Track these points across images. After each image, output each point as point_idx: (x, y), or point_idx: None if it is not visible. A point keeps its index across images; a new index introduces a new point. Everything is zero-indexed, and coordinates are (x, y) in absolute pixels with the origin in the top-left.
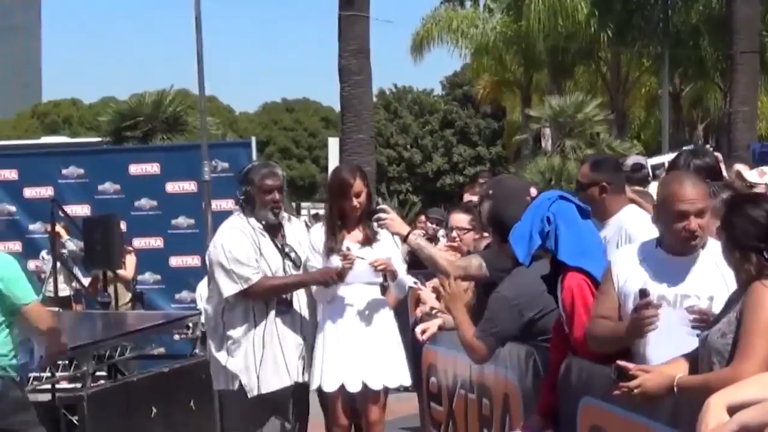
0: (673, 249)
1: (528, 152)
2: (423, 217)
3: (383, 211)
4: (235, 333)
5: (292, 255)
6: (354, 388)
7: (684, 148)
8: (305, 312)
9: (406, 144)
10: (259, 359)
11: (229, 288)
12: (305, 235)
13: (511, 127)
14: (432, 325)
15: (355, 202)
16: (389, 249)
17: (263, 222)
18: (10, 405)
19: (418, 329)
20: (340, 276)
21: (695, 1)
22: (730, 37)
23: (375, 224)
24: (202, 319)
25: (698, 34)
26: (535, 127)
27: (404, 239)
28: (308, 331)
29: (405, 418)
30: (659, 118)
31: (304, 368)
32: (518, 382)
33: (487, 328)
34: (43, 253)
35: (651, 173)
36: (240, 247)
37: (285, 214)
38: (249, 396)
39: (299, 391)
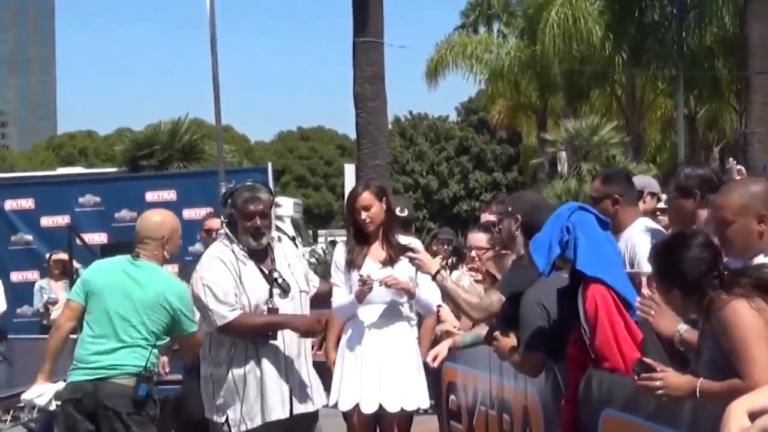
0: None
1: (544, 176)
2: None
3: (413, 250)
4: (219, 368)
5: (280, 281)
6: (369, 409)
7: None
8: (291, 345)
9: (422, 171)
10: (242, 396)
11: (205, 324)
12: (296, 256)
13: (527, 152)
14: (442, 349)
15: (364, 215)
16: (411, 270)
17: (245, 249)
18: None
19: (429, 357)
20: (322, 326)
21: (709, 23)
22: (744, 58)
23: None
24: None
25: (713, 55)
26: (551, 150)
27: (433, 278)
28: (292, 363)
29: None
30: (675, 140)
31: (291, 402)
32: (538, 396)
33: (524, 339)
34: (41, 282)
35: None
36: (218, 281)
37: (275, 235)
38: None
39: (296, 423)
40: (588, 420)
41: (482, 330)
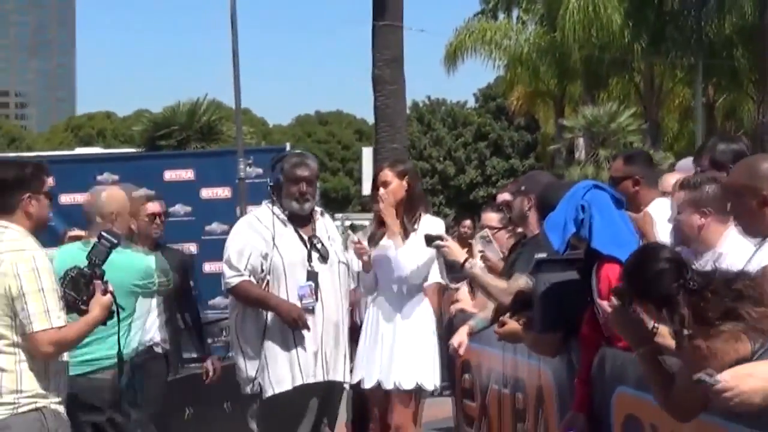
0: None
1: (561, 162)
2: (468, 222)
3: (440, 237)
4: (248, 335)
5: (319, 246)
6: (377, 384)
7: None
8: (329, 310)
9: (440, 156)
10: (272, 360)
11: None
12: (336, 232)
13: (545, 139)
14: (463, 337)
15: (381, 190)
16: (423, 248)
17: (286, 212)
18: None
19: (454, 343)
20: (303, 323)
21: (729, 12)
22: (763, 48)
23: (426, 241)
24: None
25: (732, 44)
26: (569, 137)
27: (461, 267)
28: (329, 328)
29: (438, 421)
30: (692, 129)
31: (324, 367)
32: (552, 374)
33: (539, 319)
34: None
35: None
36: (235, 246)
37: (318, 208)
38: (264, 396)
39: (328, 390)
40: (601, 398)
41: (489, 313)
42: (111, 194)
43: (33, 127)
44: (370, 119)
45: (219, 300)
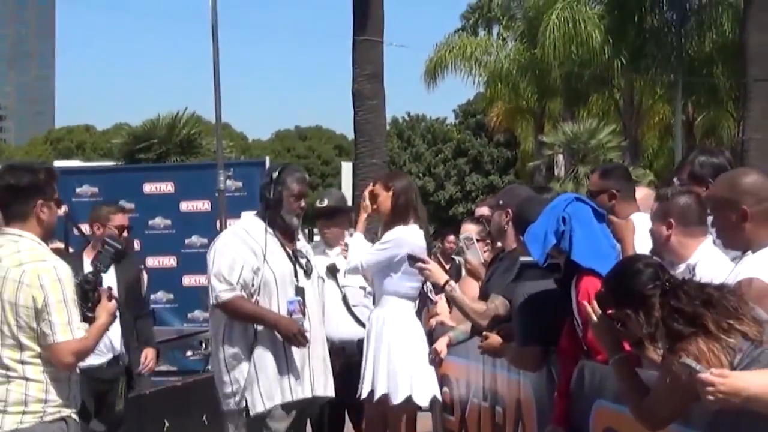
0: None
1: (541, 179)
2: (452, 237)
3: (422, 260)
4: (235, 348)
5: (303, 262)
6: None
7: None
8: (314, 325)
9: (419, 172)
10: (262, 375)
11: (208, 299)
12: (309, 249)
13: (524, 156)
14: (442, 347)
15: (366, 200)
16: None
17: (280, 226)
18: None
19: (431, 355)
20: (304, 339)
21: (709, 30)
22: (743, 65)
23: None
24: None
25: (712, 62)
26: (549, 154)
27: (441, 288)
28: (316, 343)
29: None
30: (672, 146)
31: (312, 383)
32: (532, 388)
33: (519, 334)
34: None
35: None
36: (225, 259)
37: None
38: (251, 413)
39: (308, 404)
40: (580, 411)
41: (468, 326)
42: None
43: (11, 140)
44: (350, 135)
45: (198, 313)
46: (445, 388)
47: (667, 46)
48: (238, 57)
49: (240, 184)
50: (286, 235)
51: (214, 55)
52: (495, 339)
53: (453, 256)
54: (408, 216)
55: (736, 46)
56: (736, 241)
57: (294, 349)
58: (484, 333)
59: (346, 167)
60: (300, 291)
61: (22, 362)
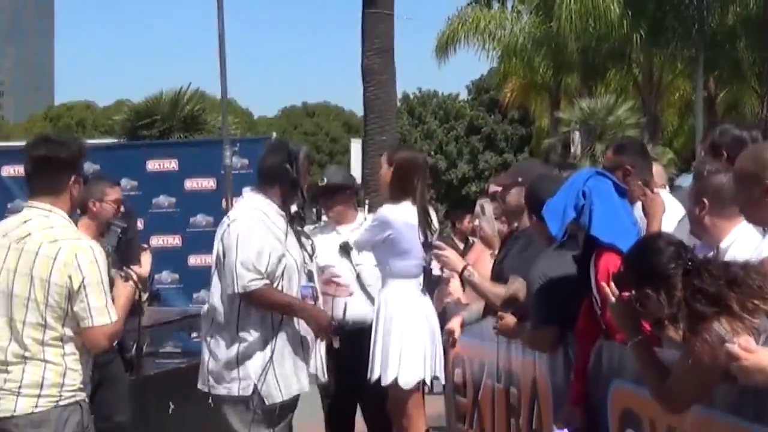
0: None
1: (556, 157)
2: (468, 218)
3: (439, 247)
4: (252, 337)
5: (307, 243)
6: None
7: None
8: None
9: (431, 150)
10: (278, 365)
11: (230, 287)
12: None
13: (539, 133)
14: (456, 327)
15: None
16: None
17: (287, 212)
18: None
19: (446, 335)
20: (333, 331)
21: (732, 2)
22: (767, 39)
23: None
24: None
25: (735, 36)
26: (565, 130)
27: (459, 275)
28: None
29: (429, 419)
30: (693, 123)
31: (323, 369)
32: (547, 368)
33: (535, 315)
34: None
35: None
36: (255, 247)
37: None
38: (267, 403)
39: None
40: (597, 392)
41: (481, 306)
42: None
43: (10, 117)
44: (359, 111)
45: (204, 293)
46: (457, 369)
47: (687, 20)
48: (244, 31)
49: (246, 161)
50: (293, 214)
51: (219, 28)
52: (510, 319)
53: (469, 237)
54: (407, 192)
55: (761, 19)
56: (758, 217)
57: (308, 338)
58: (499, 313)
59: (356, 145)
60: (310, 275)
61: (43, 343)
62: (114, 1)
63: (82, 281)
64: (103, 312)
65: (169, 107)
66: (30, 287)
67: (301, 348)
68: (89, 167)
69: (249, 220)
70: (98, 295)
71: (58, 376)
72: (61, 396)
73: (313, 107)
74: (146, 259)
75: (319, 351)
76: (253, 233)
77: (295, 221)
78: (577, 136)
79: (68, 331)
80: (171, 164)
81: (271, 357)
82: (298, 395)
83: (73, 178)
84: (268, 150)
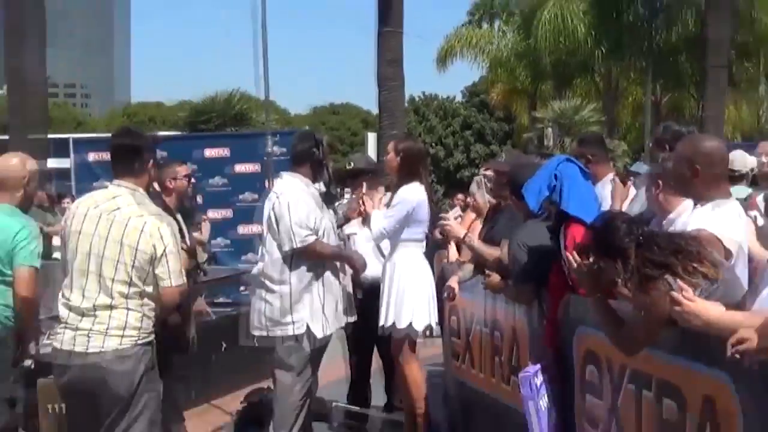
0: None
1: (533, 149)
2: (460, 195)
3: (445, 218)
4: (301, 285)
5: (334, 215)
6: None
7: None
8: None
9: (432, 142)
10: (325, 307)
11: (287, 244)
12: None
13: (520, 129)
14: (454, 284)
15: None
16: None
17: (318, 187)
18: None
19: (447, 292)
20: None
21: (675, 24)
22: (703, 54)
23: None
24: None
25: (677, 51)
26: (540, 127)
27: (462, 241)
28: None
29: (430, 358)
30: (642, 122)
31: (349, 311)
32: (525, 317)
33: (515, 275)
34: None
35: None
36: (302, 208)
37: None
38: (318, 337)
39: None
40: (565, 336)
41: (472, 266)
42: (22, 160)
43: (95, 114)
44: (375, 110)
45: (251, 256)
46: (453, 317)
47: (640, 38)
48: (282, 44)
49: (284, 149)
50: (324, 191)
51: (263, 45)
52: (495, 278)
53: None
54: (414, 174)
55: (698, 38)
56: (690, 193)
57: (336, 287)
58: (486, 272)
59: (371, 137)
60: (339, 236)
61: (127, 296)
62: (177, 15)
63: (164, 250)
64: (179, 275)
65: (223, 106)
66: (120, 252)
67: (339, 293)
68: (159, 154)
69: (294, 192)
70: (175, 261)
71: (138, 321)
72: (139, 337)
73: (338, 107)
74: (206, 227)
75: (349, 295)
76: (300, 201)
77: (325, 197)
78: (550, 131)
79: (147, 288)
80: (224, 152)
81: (318, 301)
82: (338, 329)
83: (150, 162)
84: (297, 138)
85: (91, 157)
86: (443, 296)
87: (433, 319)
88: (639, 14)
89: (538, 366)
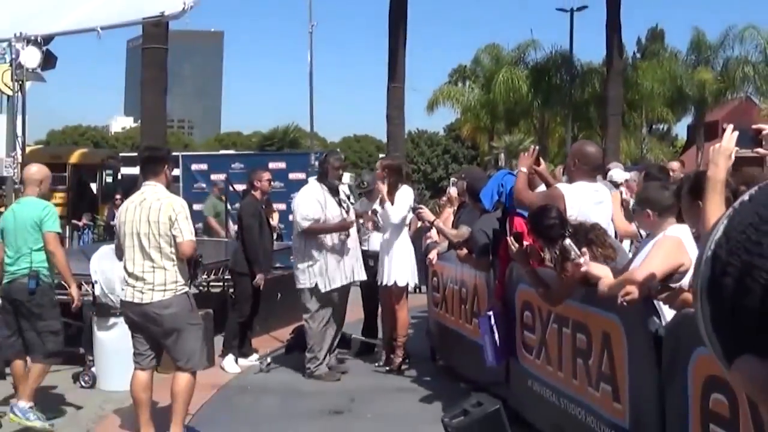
0: None
1: (491, 167)
2: (444, 198)
3: (419, 207)
4: (314, 253)
5: (345, 205)
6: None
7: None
8: (352, 239)
9: (422, 162)
10: (326, 268)
11: (297, 227)
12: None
13: (482, 154)
14: (434, 255)
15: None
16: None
17: (328, 186)
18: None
19: (429, 257)
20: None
21: (586, 85)
22: (605, 106)
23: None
24: None
25: (588, 104)
26: (496, 153)
27: (431, 223)
28: (354, 250)
29: (418, 307)
30: (565, 151)
31: (353, 272)
32: (483, 278)
33: (476, 250)
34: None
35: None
36: (305, 206)
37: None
38: (323, 290)
39: (347, 286)
40: (509, 292)
41: (446, 244)
42: (39, 168)
43: (195, 139)
44: (384, 139)
45: None
46: (435, 278)
47: (563, 95)
48: (325, 90)
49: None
50: (332, 190)
51: (310, 93)
52: (463, 252)
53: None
54: (399, 179)
55: (601, 96)
56: (570, 179)
57: (342, 254)
58: (458, 248)
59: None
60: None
61: (161, 258)
62: (245, 63)
63: (176, 216)
64: (190, 234)
65: (282, 135)
66: (149, 227)
67: (341, 258)
68: (238, 166)
69: (303, 193)
70: (186, 223)
71: (173, 276)
72: (176, 289)
73: (359, 137)
74: (276, 215)
75: (359, 261)
76: (304, 200)
77: (339, 194)
78: (502, 155)
79: (174, 250)
80: (282, 165)
81: (323, 265)
82: (343, 286)
83: (166, 167)
84: (321, 157)
85: (193, 167)
86: (426, 263)
87: (414, 279)
88: (563, 78)
89: (491, 312)
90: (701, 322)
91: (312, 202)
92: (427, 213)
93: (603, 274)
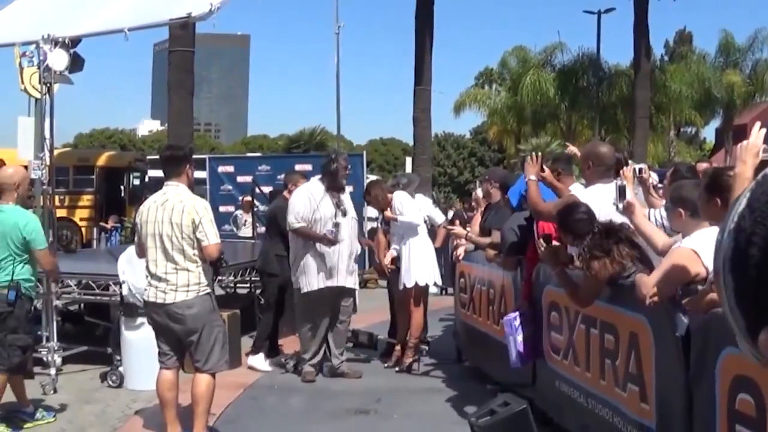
0: None
1: (517, 171)
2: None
3: (451, 228)
4: (299, 254)
5: (342, 207)
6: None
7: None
8: (343, 244)
9: (449, 165)
10: (308, 270)
11: (288, 227)
12: (351, 203)
13: (509, 156)
14: (461, 252)
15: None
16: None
17: (330, 185)
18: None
19: (458, 254)
20: (329, 241)
21: (614, 88)
22: (633, 109)
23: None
24: None
25: (615, 106)
26: (522, 155)
27: (464, 237)
28: (343, 254)
29: (445, 308)
30: None
31: (336, 277)
32: (511, 279)
33: (505, 250)
34: (237, 213)
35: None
36: (296, 206)
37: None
38: (302, 291)
39: (339, 291)
40: (537, 292)
41: (472, 245)
42: (16, 169)
43: (222, 143)
44: (411, 142)
45: None
46: (462, 279)
47: (591, 97)
48: (351, 95)
49: (349, 166)
50: (335, 190)
51: (336, 97)
52: (491, 252)
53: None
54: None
55: (629, 98)
56: (587, 182)
57: (327, 258)
58: (486, 249)
59: (408, 161)
60: (336, 224)
61: (185, 260)
62: (267, 71)
63: (200, 219)
64: (214, 236)
65: (308, 137)
66: (172, 229)
67: (324, 265)
68: (264, 168)
69: (296, 193)
70: (211, 226)
71: (196, 278)
72: (199, 290)
73: (386, 140)
74: None
75: (350, 268)
76: (297, 200)
77: (342, 193)
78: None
79: (197, 251)
80: (308, 167)
81: (305, 265)
82: (329, 288)
83: (188, 166)
84: (324, 158)
85: (220, 169)
86: (453, 259)
87: (436, 278)
88: (590, 81)
89: (517, 312)
90: (724, 297)
91: (303, 201)
92: (458, 230)
93: (652, 230)
